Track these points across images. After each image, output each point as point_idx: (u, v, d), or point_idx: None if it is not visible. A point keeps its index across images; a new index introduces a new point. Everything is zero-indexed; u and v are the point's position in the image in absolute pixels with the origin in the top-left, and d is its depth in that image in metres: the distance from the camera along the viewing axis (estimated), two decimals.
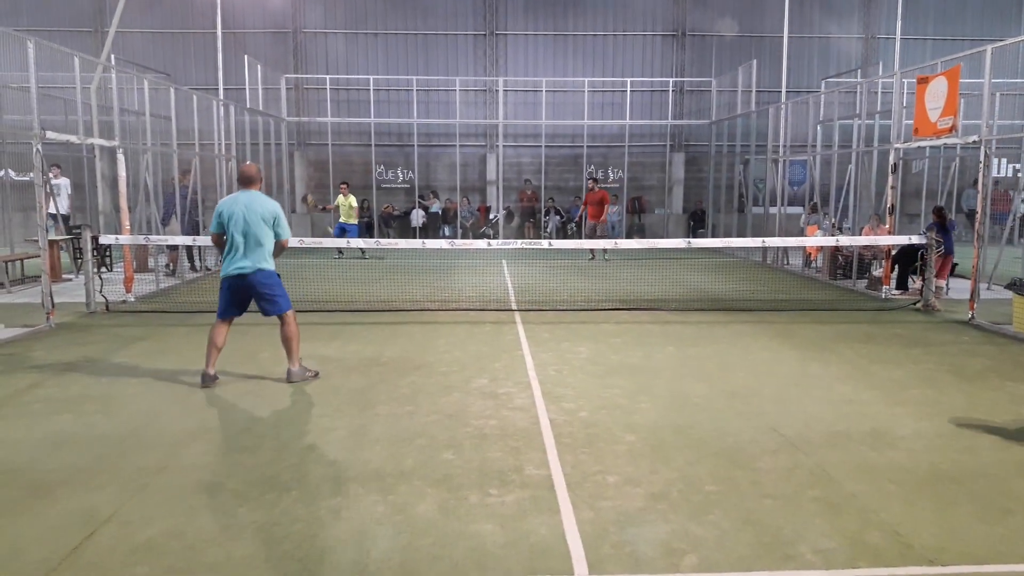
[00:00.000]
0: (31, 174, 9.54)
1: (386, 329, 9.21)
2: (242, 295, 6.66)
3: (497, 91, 22.67)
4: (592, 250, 17.21)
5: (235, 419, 5.74)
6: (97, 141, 11.21)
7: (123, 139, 11.69)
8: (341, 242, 13.08)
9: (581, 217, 18.94)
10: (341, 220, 17.64)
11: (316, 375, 6.91)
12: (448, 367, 7.30)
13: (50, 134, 9.39)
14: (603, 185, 21.24)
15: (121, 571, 3.50)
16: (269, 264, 6.60)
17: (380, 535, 3.85)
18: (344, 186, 18.04)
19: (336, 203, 17.78)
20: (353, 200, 17.80)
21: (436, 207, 22.91)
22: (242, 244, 6.48)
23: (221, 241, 6.63)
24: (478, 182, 23.84)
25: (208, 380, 6.60)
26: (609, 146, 23.43)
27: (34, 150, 9.03)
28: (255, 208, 6.49)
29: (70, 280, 13.29)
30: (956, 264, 13.30)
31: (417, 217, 22.53)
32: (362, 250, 17.48)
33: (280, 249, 6.70)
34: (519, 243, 11.39)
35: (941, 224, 11.71)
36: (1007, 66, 10.10)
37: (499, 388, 6.57)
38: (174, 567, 3.53)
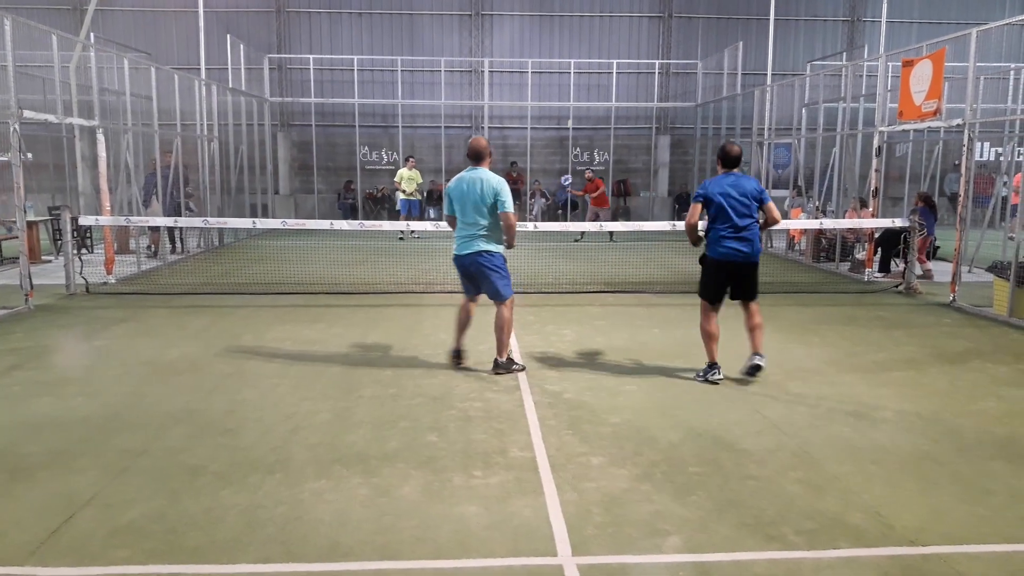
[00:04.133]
0: (8, 154, 9.38)
1: (370, 311, 9.17)
2: (468, 274, 6.45)
3: (483, 72, 22.50)
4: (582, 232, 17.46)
5: (218, 401, 5.69)
6: (77, 121, 11.04)
7: (103, 119, 11.50)
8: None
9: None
10: (405, 196, 17.61)
11: (523, 369, 6.53)
12: (433, 349, 7.28)
13: (28, 113, 9.24)
14: (591, 168, 21.29)
15: (102, 554, 3.47)
16: (488, 246, 6.26)
17: (364, 517, 3.84)
18: (411, 160, 18.24)
19: (400, 177, 17.71)
20: (418, 175, 17.86)
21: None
22: (461, 224, 6.35)
23: (454, 222, 6.47)
24: (463, 164, 23.62)
25: (455, 356, 6.60)
26: (595, 128, 23.34)
27: (11, 129, 8.89)
28: (475, 188, 6.29)
29: (50, 262, 13.13)
30: (938, 247, 13.40)
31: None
32: (410, 232, 17.28)
33: (507, 228, 6.24)
34: None
35: (927, 208, 11.82)
36: (991, 50, 10.12)
37: (483, 370, 6.55)
38: (155, 550, 3.51)
